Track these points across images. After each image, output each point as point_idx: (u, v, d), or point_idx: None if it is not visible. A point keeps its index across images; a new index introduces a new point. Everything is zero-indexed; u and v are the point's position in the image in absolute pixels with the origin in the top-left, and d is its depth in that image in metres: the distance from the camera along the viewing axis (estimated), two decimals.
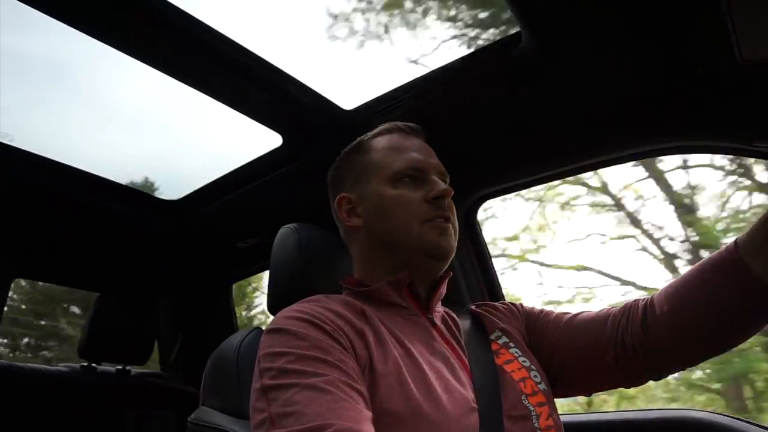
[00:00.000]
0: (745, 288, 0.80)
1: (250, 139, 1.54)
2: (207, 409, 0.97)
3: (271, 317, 0.92)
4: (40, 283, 7.02)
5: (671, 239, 4.65)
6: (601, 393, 0.98)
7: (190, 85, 1.22)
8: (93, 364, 1.95)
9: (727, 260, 0.82)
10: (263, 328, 0.96)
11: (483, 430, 0.76)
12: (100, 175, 1.63)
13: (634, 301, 0.95)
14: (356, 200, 0.98)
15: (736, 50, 0.88)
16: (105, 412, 1.84)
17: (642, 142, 1.24)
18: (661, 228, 4.72)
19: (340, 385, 0.69)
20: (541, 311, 1.05)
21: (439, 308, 0.99)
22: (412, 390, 0.75)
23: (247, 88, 1.20)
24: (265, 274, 1.68)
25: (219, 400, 0.96)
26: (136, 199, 1.75)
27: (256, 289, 7.45)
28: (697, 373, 3.69)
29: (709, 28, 0.87)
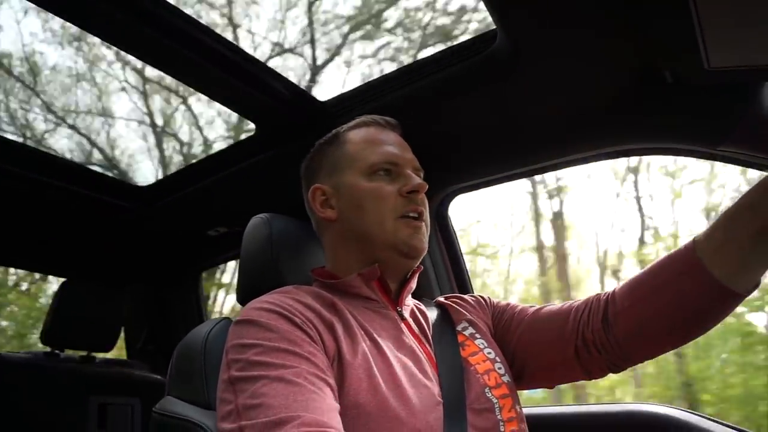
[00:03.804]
0: (701, 286, 0.82)
1: None
2: (173, 399, 0.96)
3: None
4: None
5: None
6: None
7: (165, 72, 1.21)
8: (56, 351, 1.91)
9: (684, 259, 0.84)
10: (231, 318, 0.95)
11: (447, 423, 0.78)
12: (67, 158, 1.60)
13: (596, 295, 0.96)
14: (330, 192, 0.98)
15: (704, 56, 0.89)
16: (68, 399, 1.80)
17: (610, 142, 1.26)
18: None
19: (308, 377, 0.70)
20: (507, 305, 1.07)
21: (409, 301, 1.00)
22: (380, 384, 0.76)
23: (222, 77, 1.19)
24: None
25: (185, 391, 0.95)
26: (104, 184, 1.72)
27: None
28: None
29: (678, 35, 0.89)
